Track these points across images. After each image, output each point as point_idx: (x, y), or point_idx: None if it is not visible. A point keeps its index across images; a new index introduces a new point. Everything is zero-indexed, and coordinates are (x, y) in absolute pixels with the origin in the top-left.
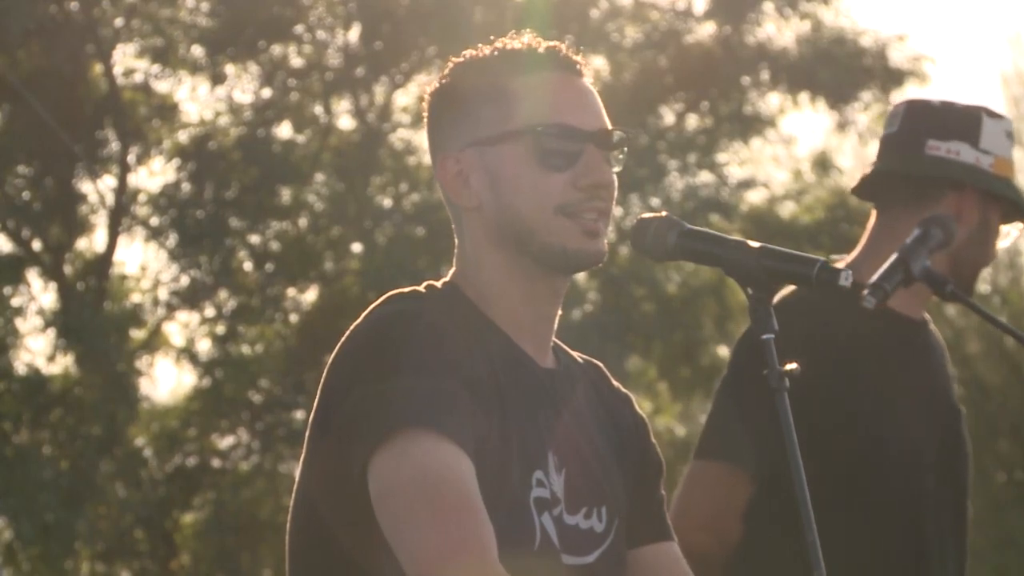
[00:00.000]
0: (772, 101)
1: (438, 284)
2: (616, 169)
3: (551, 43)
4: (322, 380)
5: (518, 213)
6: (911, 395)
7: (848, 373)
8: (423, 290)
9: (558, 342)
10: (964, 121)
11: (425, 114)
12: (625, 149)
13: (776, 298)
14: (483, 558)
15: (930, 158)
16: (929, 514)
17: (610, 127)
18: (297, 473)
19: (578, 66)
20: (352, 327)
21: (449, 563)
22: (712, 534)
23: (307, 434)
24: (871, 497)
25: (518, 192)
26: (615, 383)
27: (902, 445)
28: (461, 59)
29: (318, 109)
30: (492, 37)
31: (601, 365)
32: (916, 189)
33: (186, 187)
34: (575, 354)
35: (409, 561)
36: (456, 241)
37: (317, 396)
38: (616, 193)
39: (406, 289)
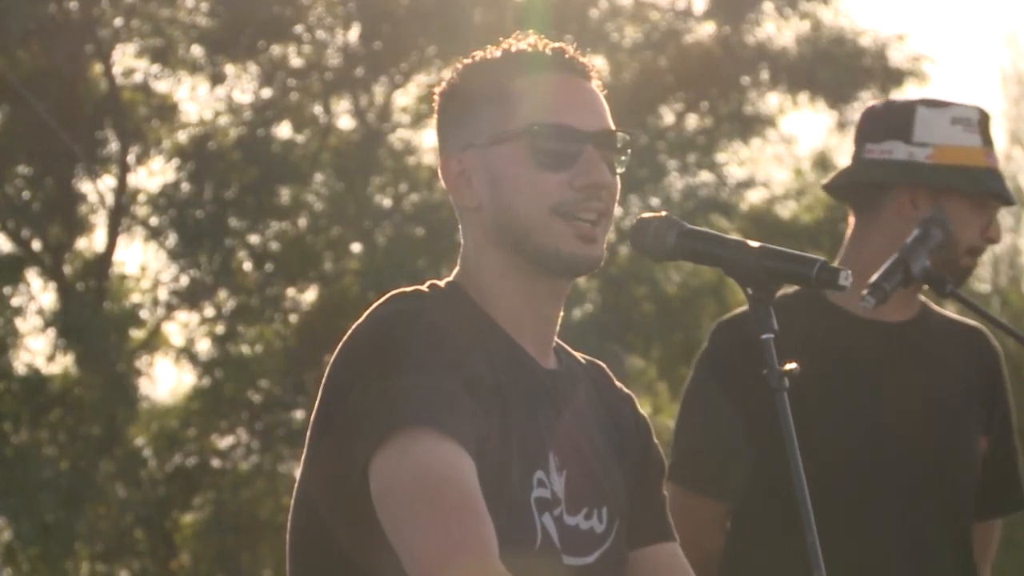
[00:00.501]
0: (772, 101)
1: (441, 283)
2: (619, 171)
3: (557, 44)
4: (324, 379)
5: (515, 213)
6: (871, 398)
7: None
8: (425, 289)
9: (560, 342)
10: (897, 118)
11: (435, 116)
12: (629, 152)
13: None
14: (484, 557)
15: (866, 162)
16: (901, 514)
17: (613, 129)
18: (298, 472)
19: (585, 68)
20: (354, 326)
21: (450, 562)
22: (696, 548)
23: (308, 433)
24: (837, 496)
25: (515, 192)
26: (617, 383)
27: (853, 445)
28: (469, 60)
29: (318, 109)
30: (500, 39)
31: (603, 365)
32: (866, 194)
33: (186, 187)
34: (577, 354)
35: (410, 561)
36: (460, 240)
37: (319, 395)
38: (617, 195)
39: (408, 288)
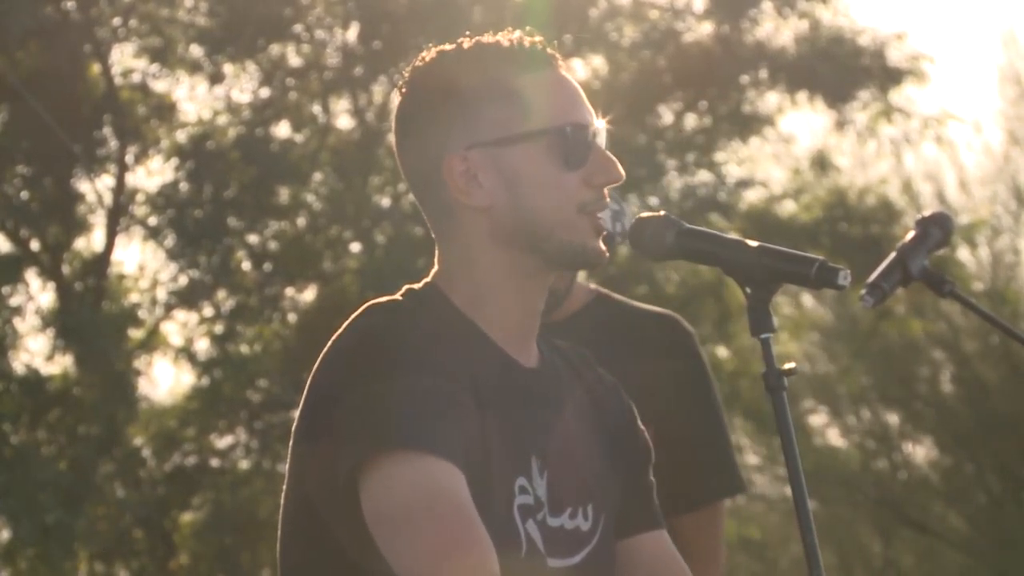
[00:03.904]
0: (771, 100)
1: (417, 287)
2: None
3: (535, 39)
4: (307, 387)
5: (538, 212)
6: None
7: None
8: (401, 298)
9: (541, 335)
10: None
11: (407, 107)
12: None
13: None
14: (481, 559)
15: None
16: None
17: (604, 123)
18: (286, 476)
19: (560, 60)
20: (335, 336)
21: (444, 564)
22: None
23: (292, 440)
24: None
25: (540, 191)
26: (600, 371)
27: None
28: (440, 53)
29: (317, 108)
30: (467, 33)
31: (586, 353)
32: None
33: (184, 187)
34: (558, 343)
35: (405, 571)
36: (439, 242)
37: (302, 402)
38: None
39: (384, 299)
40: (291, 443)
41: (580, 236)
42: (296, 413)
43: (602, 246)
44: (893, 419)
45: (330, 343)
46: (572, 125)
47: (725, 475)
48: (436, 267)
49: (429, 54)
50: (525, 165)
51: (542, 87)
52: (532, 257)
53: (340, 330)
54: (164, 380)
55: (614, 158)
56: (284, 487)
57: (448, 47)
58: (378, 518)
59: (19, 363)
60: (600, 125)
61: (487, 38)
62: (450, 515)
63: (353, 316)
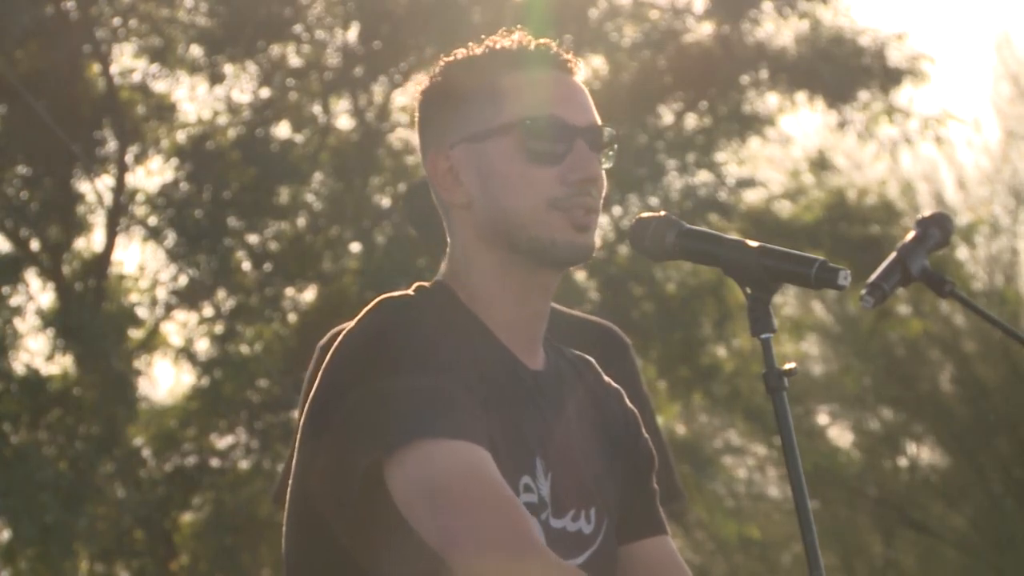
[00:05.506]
0: (771, 100)
1: (427, 284)
2: (606, 166)
3: (542, 41)
4: (316, 385)
5: (508, 207)
6: None
7: None
8: (413, 293)
9: (547, 338)
10: None
11: (416, 112)
12: (615, 147)
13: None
14: (527, 545)
15: None
16: None
17: (600, 124)
18: (291, 474)
19: (569, 64)
20: (346, 331)
21: (490, 550)
22: None
23: (299, 436)
24: None
25: (509, 187)
26: (605, 378)
27: None
28: (453, 58)
29: (316, 109)
30: (482, 36)
31: (591, 360)
32: None
33: (184, 187)
34: (564, 349)
35: (454, 555)
36: (447, 240)
37: (310, 400)
38: (605, 190)
39: (396, 294)
40: (297, 439)
41: (549, 232)
42: (296, 413)
43: (580, 240)
44: (893, 419)
45: (341, 338)
46: (541, 117)
47: (667, 486)
48: (444, 264)
49: (448, 57)
50: (495, 160)
51: (527, 84)
52: (517, 255)
53: (353, 324)
54: (164, 380)
55: (594, 156)
56: (289, 485)
57: (460, 51)
58: (413, 503)
59: (19, 363)
60: (590, 124)
61: (496, 40)
62: (485, 492)
63: (364, 311)
